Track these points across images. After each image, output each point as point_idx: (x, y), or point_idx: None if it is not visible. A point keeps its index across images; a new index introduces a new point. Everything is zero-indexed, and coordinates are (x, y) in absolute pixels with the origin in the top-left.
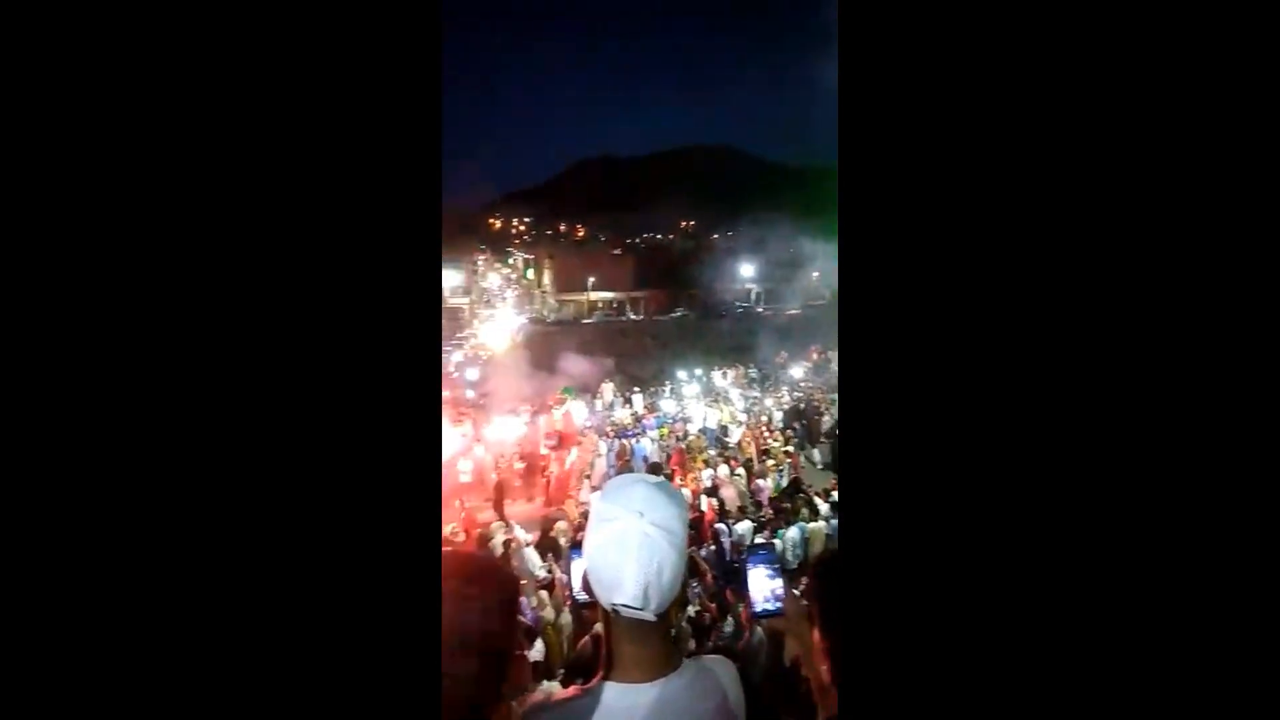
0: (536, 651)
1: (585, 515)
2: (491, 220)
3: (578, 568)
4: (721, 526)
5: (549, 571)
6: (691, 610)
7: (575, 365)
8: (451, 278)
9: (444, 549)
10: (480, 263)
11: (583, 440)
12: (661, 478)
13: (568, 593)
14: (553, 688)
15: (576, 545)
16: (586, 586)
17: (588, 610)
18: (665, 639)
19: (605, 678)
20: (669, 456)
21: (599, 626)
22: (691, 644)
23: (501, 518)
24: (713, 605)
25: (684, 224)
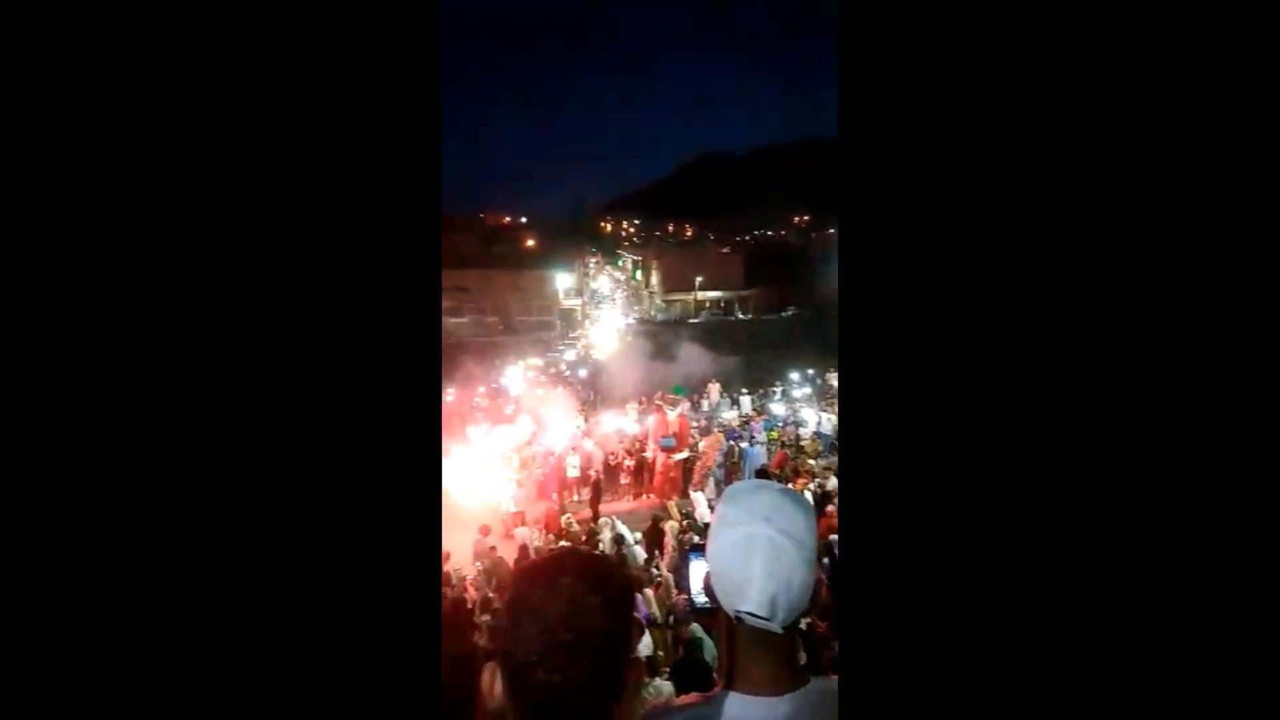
0: (644, 647)
1: (689, 516)
2: (602, 224)
3: (698, 570)
4: (835, 539)
5: (654, 570)
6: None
7: (681, 365)
8: (564, 280)
9: (561, 545)
10: (591, 265)
11: (693, 440)
12: (785, 485)
13: (685, 595)
14: (664, 688)
15: (696, 547)
16: (709, 590)
17: (708, 616)
18: (792, 652)
19: (727, 687)
20: (772, 460)
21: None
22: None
23: (595, 515)
24: (823, 622)
25: (796, 219)
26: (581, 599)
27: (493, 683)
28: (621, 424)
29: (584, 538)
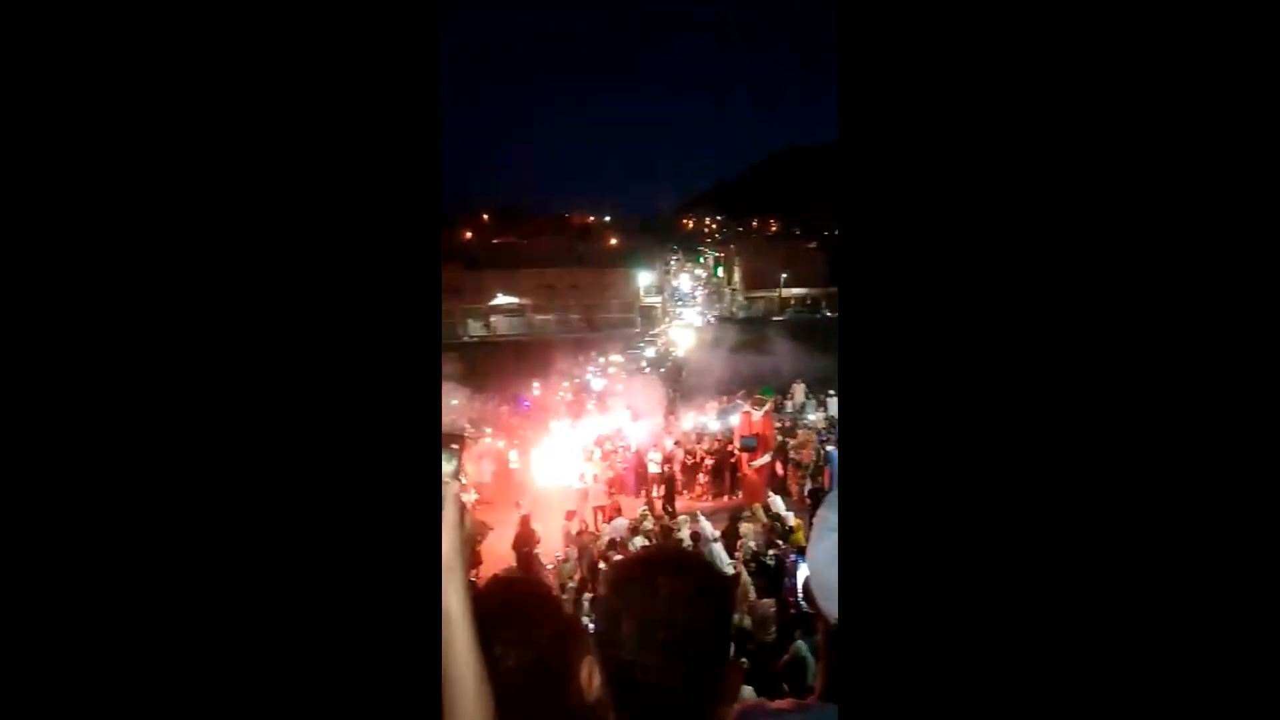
0: None
1: (777, 519)
2: (684, 220)
3: (800, 574)
4: None
5: (735, 570)
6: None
7: (763, 364)
8: (645, 278)
9: (649, 543)
10: (673, 263)
11: (778, 441)
12: None
13: (793, 598)
14: (744, 691)
15: (800, 550)
16: (809, 595)
17: (817, 622)
18: None
19: (823, 696)
20: None
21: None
22: None
23: (656, 513)
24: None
25: None
26: (679, 599)
27: (590, 678)
28: (703, 422)
29: (661, 533)
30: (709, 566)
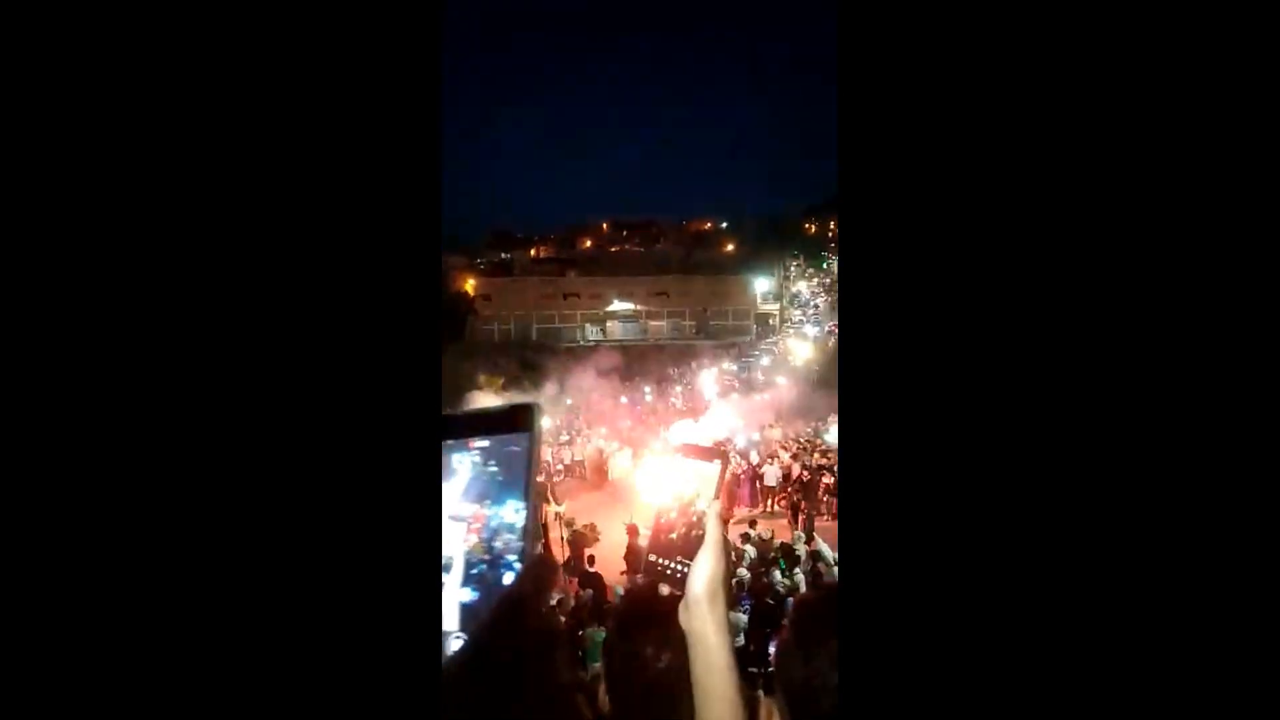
0: None
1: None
2: (806, 225)
3: None
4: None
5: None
6: None
7: None
8: (763, 284)
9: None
10: (792, 268)
11: None
12: None
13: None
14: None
15: None
16: None
17: None
18: None
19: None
20: None
21: None
22: None
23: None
24: None
25: None
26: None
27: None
28: (827, 438)
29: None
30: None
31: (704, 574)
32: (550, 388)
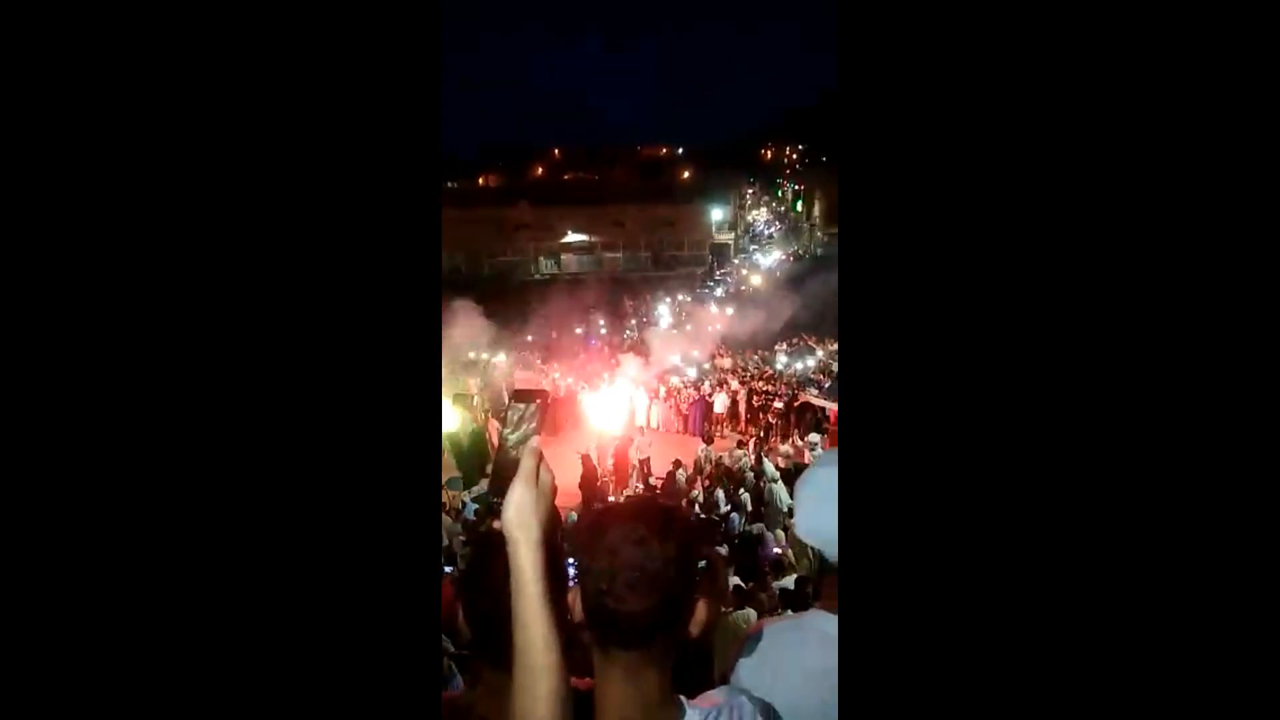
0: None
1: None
2: (764, 150)
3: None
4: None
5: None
6: None
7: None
8: (718, 213)
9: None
10: (748, 196)
11: None
12: None
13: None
14: (750, 615)
15: None
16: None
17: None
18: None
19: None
20: None
21: None
22: None
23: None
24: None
25: None
26: (648, 545)
27: (575, 602)
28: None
29: (729, 469)
30: (671, 516)
31: (513, 503)
32: (513, 323)
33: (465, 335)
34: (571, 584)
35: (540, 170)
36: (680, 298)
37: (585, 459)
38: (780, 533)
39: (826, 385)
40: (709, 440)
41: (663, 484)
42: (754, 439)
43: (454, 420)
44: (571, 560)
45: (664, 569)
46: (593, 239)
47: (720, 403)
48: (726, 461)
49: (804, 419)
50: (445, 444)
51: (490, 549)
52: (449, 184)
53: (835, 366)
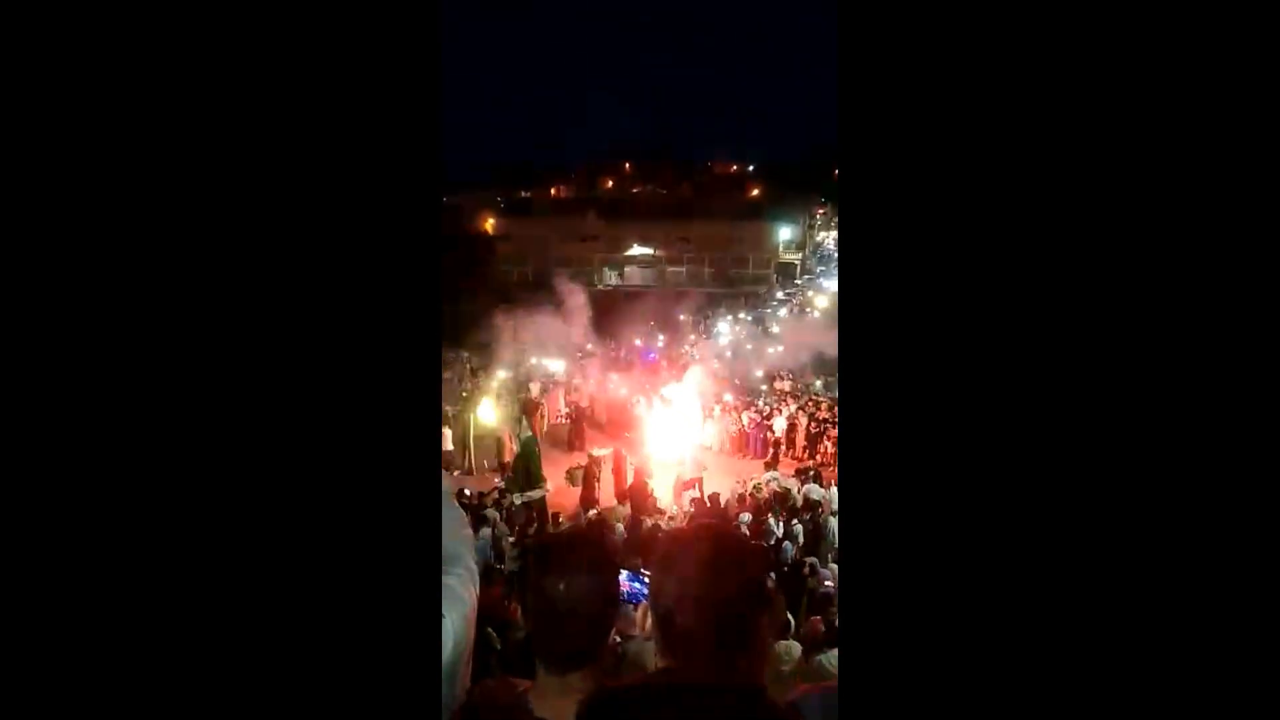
0: None
1: None
2: (836, 170)
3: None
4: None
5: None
6: None
7: None
8: (786, 232)
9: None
10: (819, 216)
11: None
12: None
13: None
14: (793, 648)
15: None
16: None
17: None
18: None
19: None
20: None
21: None
22: None
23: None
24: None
25: None
26: (713, 569)
27: (644, 618)
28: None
29: (775, 498)
30: (745, 547)
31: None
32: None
33: (538, 343)
34: (640, 599)
35: (610, 183)
36: (742, 315)
37: (638, 471)
38: (835, 567)
39: None
40: (771, 464)
41: (711, 506)
42: (814, 468)
43: (525, 429)
44: (643, 574)
45: (732, 597)
46: (657, 253)
47: (779, 426)
48: (778, 488)
49: None
50: (524, 452)
51: (549, 549)
52: (521, 193)
53: None
